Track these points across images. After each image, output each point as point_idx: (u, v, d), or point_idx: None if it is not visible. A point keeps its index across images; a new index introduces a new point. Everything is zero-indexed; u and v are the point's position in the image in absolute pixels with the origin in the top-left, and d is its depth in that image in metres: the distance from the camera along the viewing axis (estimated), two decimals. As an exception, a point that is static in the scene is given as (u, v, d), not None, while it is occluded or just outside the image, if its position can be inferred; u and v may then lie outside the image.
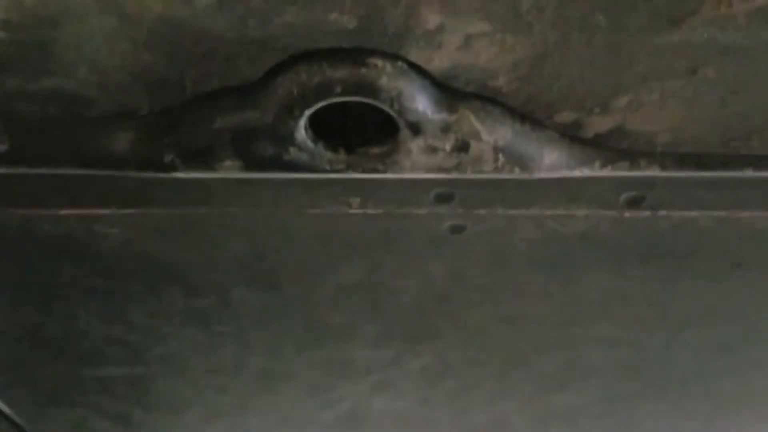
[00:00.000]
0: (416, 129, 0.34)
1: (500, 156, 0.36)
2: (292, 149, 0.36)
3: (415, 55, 0.32)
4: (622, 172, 0.38)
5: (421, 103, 0.34)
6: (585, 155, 0.38)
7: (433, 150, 0.36)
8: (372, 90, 0.33)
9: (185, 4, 0.30)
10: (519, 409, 0.66)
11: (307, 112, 0.34)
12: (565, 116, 0.36)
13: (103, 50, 0.32)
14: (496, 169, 0.37)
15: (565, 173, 0.38)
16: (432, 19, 0.31)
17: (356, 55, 0.32)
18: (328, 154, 0.36)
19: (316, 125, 0.35)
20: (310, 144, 0.36)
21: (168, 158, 0.36)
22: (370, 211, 0.41)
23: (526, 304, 0.52)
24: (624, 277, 0.49)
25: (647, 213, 0.41)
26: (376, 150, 0.36)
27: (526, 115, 0.36)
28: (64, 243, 0.44)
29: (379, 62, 0.32)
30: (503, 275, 0.49)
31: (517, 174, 0.37)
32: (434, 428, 0.70)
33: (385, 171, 0.37)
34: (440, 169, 0.37)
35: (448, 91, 0.34)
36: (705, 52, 0.32)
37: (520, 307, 0.52)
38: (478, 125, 0.35)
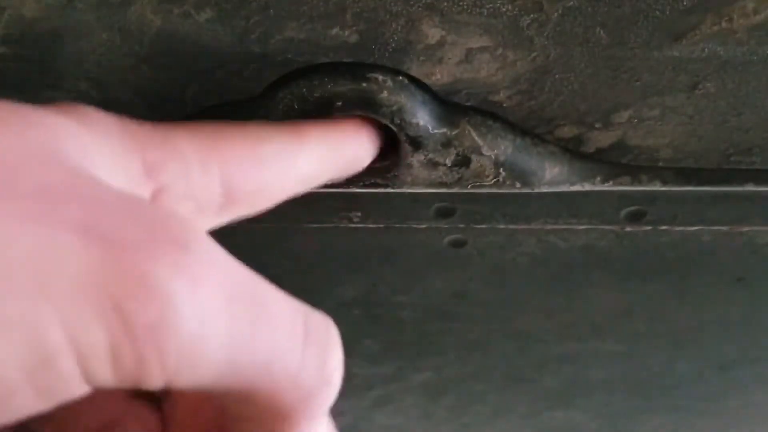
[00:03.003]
0: (417, 144, 0.34)
1: (501, 170, 0.36)
2: (292, 164, 0.35)
3: (416, 70, 0.32)
4: (624, 187, 0.38)
5: (422, 118, 0.33)
6: (586, 170, 0.38)
7: (433, 164, 0.36)
8: (373, 104, 0.33)
9: (186, 18, 0.30)
10: (521, 425, 0.66)
11: (308, 127, 0.34)
12: (567, 131, 0.36)
13: (103, 65, 0.32)
14: (497, 184, 0.37)
15: (566, 188, 0.38)
16: (433, 33, 0.31)
17: (357, 69, 0.32)
18: (329, 169, 0.36)
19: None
20: (310, 158, 0.35)
21: (168, 173, 0.36)
22: (371, 225, 0.41)
23: (527, 318, 0.52)
24: (625, 292, 0.49)
25: (648, 228, 0.41)
26: (376, 164, 0.36)
27: (527, 129, 0.36)
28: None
29: (380, 77, 0.32)
30: (504, 289, 0.49)
31: (518, 188, 0.37)
32: (435, 444, 0.70)
33: (385, 185, 0.37)
34: (441, 184, 0.37)
35: (449, 106, 0.34)
36: (706, 68, 0.32)
37: (521, 321, 0.52)
38: (479, 140, 0.35)
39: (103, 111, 0.24)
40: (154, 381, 0.20)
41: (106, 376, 0.19)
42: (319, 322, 0.24)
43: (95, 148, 0.23)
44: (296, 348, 0.22)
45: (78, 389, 0.19)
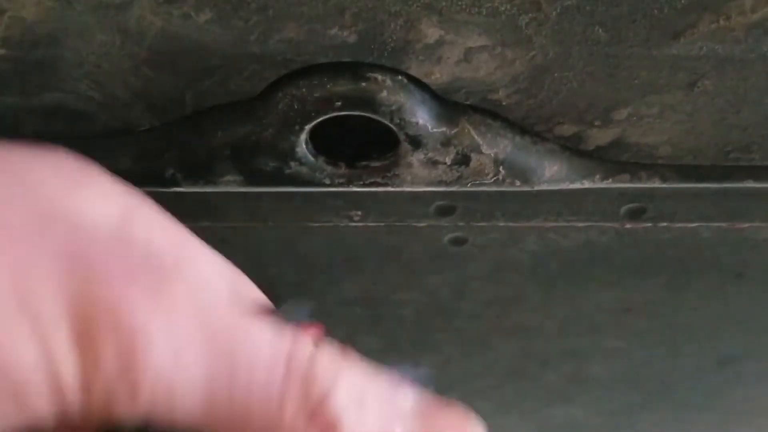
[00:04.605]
0: (417, 142, 0.35)
1: (501, 169, 0.36)
2: (292, 163, 0.36)
3: (415, 69, 0.32)
4: (623, 184, 0.38)
5: (422, 117, 0.34)
6: (586, 168, 0.38)
7: (433, 163, 0.36)
8: (372, 104, 0.33)
9: (185, 20, 0.30)
10: (522, 421, 0.66)
11: (308, 127, 0.34)
12: (566, 129, 0.36)
13: (103, 67, 0.32)
14: (496, 182, 0.37)
15: (565, 185, 0.38)
16: (431, 33, 0.31)
17: (356, 69, 0.32)
18: (329, 168, 0.36)
19: (317, 139, 0.36)
20: (310, 158, 0.36)
21: (169, 173, 0.36)
22: (371, 224, 0.41)
23: (527, 316, 0.52)
24: (626, 289, 0.49)
25: (648, 224, 0.41)
26: (376, 164, 0.36)
27: (527, 128, 0.36)
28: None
29: (379, 76, 0.32)
30: (505, 287, 0.49)
31: (517, 186, 0.38)
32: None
33: (386, 184, 0.37)
34: (441, 182, 0.37)
35: (449, 105, 0.34)
36: (704, 65, 0.32)
37: (521, 319, 0.52)
38: (478, 138, 0.35)
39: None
40: (127, 414, 0.19)
41: (77, 405, 0.19)
42: (304, 353, 0.22)
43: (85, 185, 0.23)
44: (274, 384, 0.21)
45: (50, 411, 0.19)
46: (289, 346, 0.22)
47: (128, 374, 0.19)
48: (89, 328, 0.18)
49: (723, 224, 0.41)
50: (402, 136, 0.34)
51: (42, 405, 0.19)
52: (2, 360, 0.18)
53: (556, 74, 0.32)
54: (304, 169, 0.36)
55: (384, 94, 0.32)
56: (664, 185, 0.38)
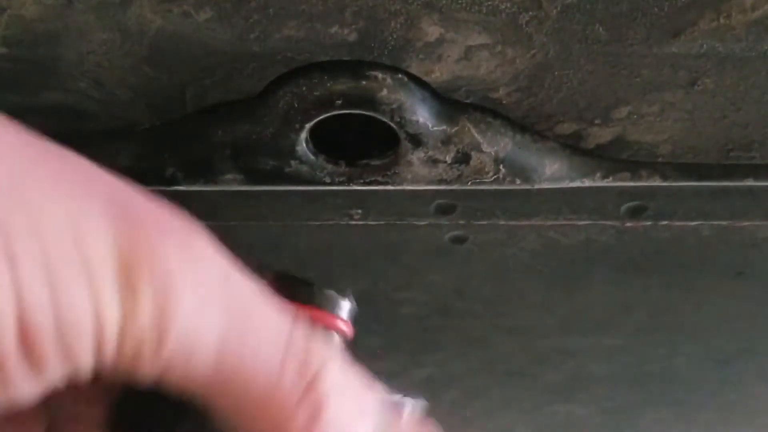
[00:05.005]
0: (417, 141, 0.35)
1: (501, 167, 0.36)
2: (293, 162, 0.36)
3: (415, 68, 0.32)
4: (624, 183, 0.38)
5: (422, 116, 0.34)
6: (586, 166, 0.38)
7: (433, 162, 0.36)
8: (372, 102, 0.33)
9: (185, 18, 0.30)
10: (522, 419, 0.66)
11: (308, 125, 0.34)
12: (566, 127, 0.36)
13: (103, 65, 0.32)
14: (497, 181, 0.37)
15: (566, 184, 0.38)
16: (432, 31, 0.31)
17: (357, 67, 0.32)
18: (329, 167, 0.36)
19: (317, 138, 0.36)
20: (311, 157, 0.36)
21: (169, 172, 0.36)
22: (372, 222, 0.41)
23: (528, 314, 0.52)
24: (626, 287, 0.49)
25: (649, 223, 0.41)
26: (377, 162, 0.36)
27: (527, 126, 0.36)
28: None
29: (380, 75, 0.32)
30: (505, 285, 0.49)
31: (518, 185, 0.37)
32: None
33: (386, 183, 0.37)
34: (441, 181, 0.37)
35: (449, 103, 0.34)
36: (704, 64, 0.32)
37: (522, 317, 0.52)
38: (478, 137, 0.35)
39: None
40: (148, 372, 0.20)
41: (110, 358, 0.19)
42: (302, 332, 0.23)
43: None
44: (276, 356, 0.22)
45: (89, 364, 0.19)
46: (291, 322, 0.23)
47: (160, 324, 0.20)
48: (130, 275, 0.19)
49: (723, 222, 0.41)
50: (402, 135, 0.34)
51: (84, 356, 0.19)
52: (57, 301, 0.18)
53: (556, 73, 0.32)
54: (304, 168, 0.36)
55: (384, 92, 0.32)
56: (664, 183, 0.38)
